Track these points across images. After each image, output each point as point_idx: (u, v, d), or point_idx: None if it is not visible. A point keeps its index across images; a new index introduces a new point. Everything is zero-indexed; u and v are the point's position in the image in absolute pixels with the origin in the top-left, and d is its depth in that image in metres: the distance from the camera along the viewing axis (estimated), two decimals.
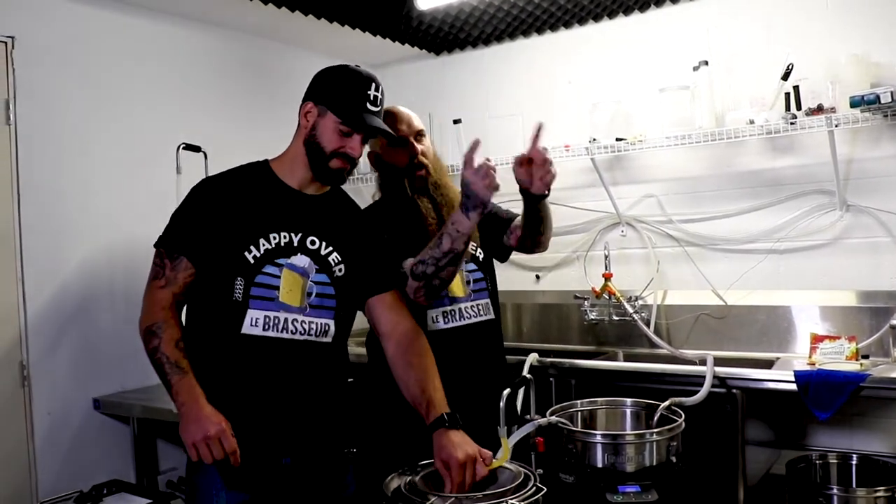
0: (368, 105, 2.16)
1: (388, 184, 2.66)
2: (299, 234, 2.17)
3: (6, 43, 3.06)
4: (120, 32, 3.48)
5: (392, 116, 2.56)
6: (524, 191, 2.57)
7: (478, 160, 2.30)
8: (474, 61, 4.55)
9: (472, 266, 2.72)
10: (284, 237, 2.14)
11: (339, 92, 2.15)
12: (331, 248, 2.21)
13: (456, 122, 4.34)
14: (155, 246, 2.13)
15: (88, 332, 3.30)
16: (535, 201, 2.61)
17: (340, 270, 2.22)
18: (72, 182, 3.26)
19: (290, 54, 4.19)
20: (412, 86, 4.74)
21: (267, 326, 2.09)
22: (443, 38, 4.39)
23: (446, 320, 2.61)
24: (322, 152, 2.15)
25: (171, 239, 2.12)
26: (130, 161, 3.45)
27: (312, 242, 2.18)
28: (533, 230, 2.71)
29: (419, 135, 2.62)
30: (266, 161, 2.26)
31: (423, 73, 4.73)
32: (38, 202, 3.14)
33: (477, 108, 4.49)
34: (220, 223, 2.10)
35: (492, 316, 2.75)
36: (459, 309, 2.65)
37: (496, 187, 2.34)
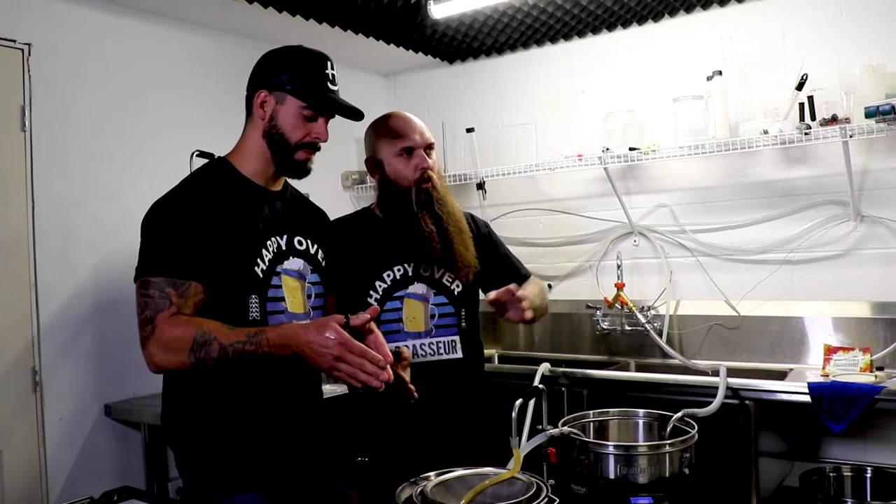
0: (329, 85, 2.04)
1: (388, 193, 2.52)
2: (285, 237, 2.09)
3: (22, 50, 3.08)
4: (135, 40, 3.50)
5: (406, 123, 2.50)
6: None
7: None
8: (488, 70, 4.55)
9: (441, 299, 2.54)
10: (276, 242, 2.06)
11: (297, 74, 2.01)
12: (316, 246, 2.17)
13: (469, 130, 4.35)
14: (140, 278, 1.89)
15: (101, 338, 3.31)
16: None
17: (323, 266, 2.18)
18: (86, 189, 3.27)
19: None
20: (426, 94, 4.76)
21: None
22: (457, 46, 4.39)
23: (414, 356, 2.43)
24: (286, 144, 2.03)
25: (171, 264, 1.88)
26: (144, 168, 3.46)
27: (300, 243, 2.12)
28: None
29: (429, 147, 2.52)
30: (224, 159, 2.10)
31: (436, 82, 4.74)
32: (52, 209, 3.16)
33: (490, 117, 4.50)
34: (217, 238, 1.93)
35: (458, 355, 2.54)
36: (415, 346, 2.48)
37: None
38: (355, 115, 2.08)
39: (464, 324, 2.57)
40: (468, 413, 2.56)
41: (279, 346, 1.81)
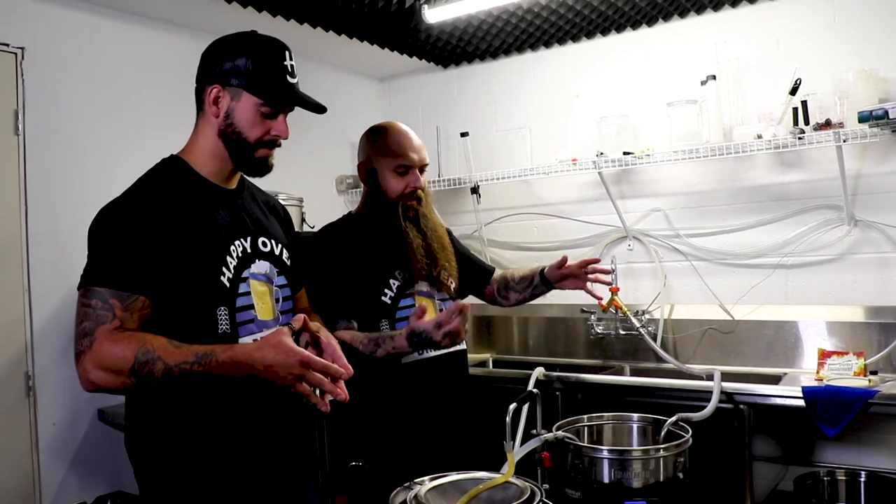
0: (288, 77, 1.89)
1: (376, 202, 2.57)
2: (249, 238, 1.95)
3: (16, 54, 3.07)
4: (129, 43, 3.49)
5: (407, 140, 2.54)
6: (546, 282, 2.85)
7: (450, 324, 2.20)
8: (482, 74, 4.56)
9: (443, 295, 2.66)
10: (240, 246, 1.92)
11: (252, 66, 1.85)
12: (280, 246, 2.04)
13: (463, 135, 4.34)
14: (83, 286, 1.75)
15: None
16: (551, 287, 2.88)
17: (289, 267, 2.07)
18: (80, 193, 3.26)
19: (299, 67, 4.15)
20: (420, 99, 4.76)
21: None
22: (451, 51, 4.39)
23: (420, 351, 2.50)
24: (245, 144, 1.88)
25: (117, 276, 1.73)
26: (138, 172, 3.41)
27: (265, 244, 1.99)
28: (531, 298, 2.95)
29: (424, 167, 2.58)
30: (178, 157, 1.96)
31: (430, 86, 4.74)
32: (45, 213, 3.15)
33: (484, 122, 4.50)
34: (174, 246, 1.78)
35: (463, 346, 2.71)
36: None
37: (457, 341, 2.27)
38: (317, 109, 1.95)
39: None
40: (468, 409, 2.68)
41: (230, 367, 1.67)
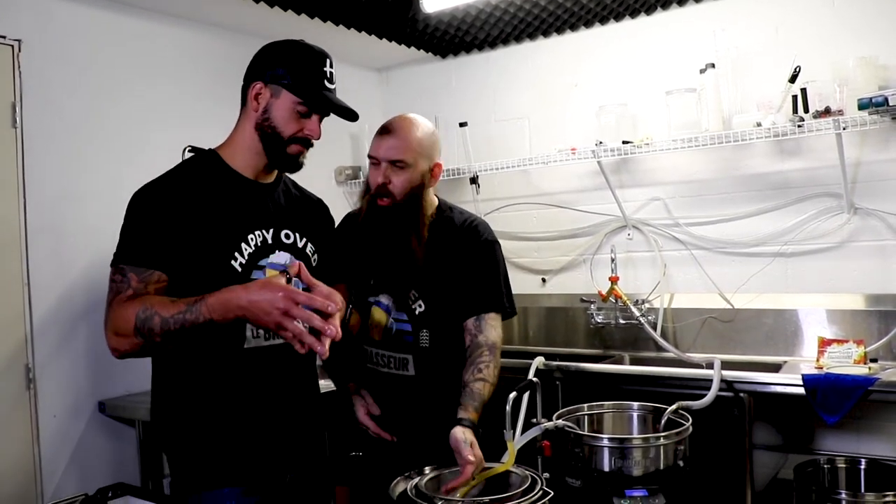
0: (326, 83, 2.01)
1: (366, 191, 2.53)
2: (271, 230, 2.06)
3: (13, 46, 3.06)
4: (126, 35, 3.48)
5: (384, 131, 2.43)
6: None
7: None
8: (480, 64, 4.55)
9: (401, 315, 2.46)
10: (260, 236, 2.03)
11: (295, 69, 1.98)
12: (305, 240, 2.14)
13: (462, 125, 4.34)
14: (113, 264, 1.91)
15: (94, 335, 3.29)
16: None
17: (315, 261, 2.15)
18: (78, 185, 3.26)
19: None
20: (418, 89, 4.75)
21: (269, 335, 2.00)
22: (449, 41, 4.38)
23: (371, 361, 2.51)
24: (279, 138, 2.00)
25: (138, 253, 1.88)
26: (137, 164, 3.42)
27: (287, 236, 2.09)
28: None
29: (397, 163, 2.39)
30: (213, 151, 2.09)
31: (429, 76, 4.73)
32: (44, 205, 3.14)
33: (483, 111, 4.49)
34: (193, 230, 1.91)
35: (410, 372, 2.45)
36: (373, 353, 2.52)
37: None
38: (350, 115, 2.05)
39: (423, 344, 2.45)
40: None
41: (219, 310, 1.71)
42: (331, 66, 2.04)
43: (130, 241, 1.90)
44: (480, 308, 2.41)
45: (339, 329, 1.66)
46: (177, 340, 1.77)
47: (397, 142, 2.38)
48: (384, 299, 2.48)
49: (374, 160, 2.41)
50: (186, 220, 1.90)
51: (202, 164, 2.05)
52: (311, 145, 2.06)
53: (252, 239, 2.00)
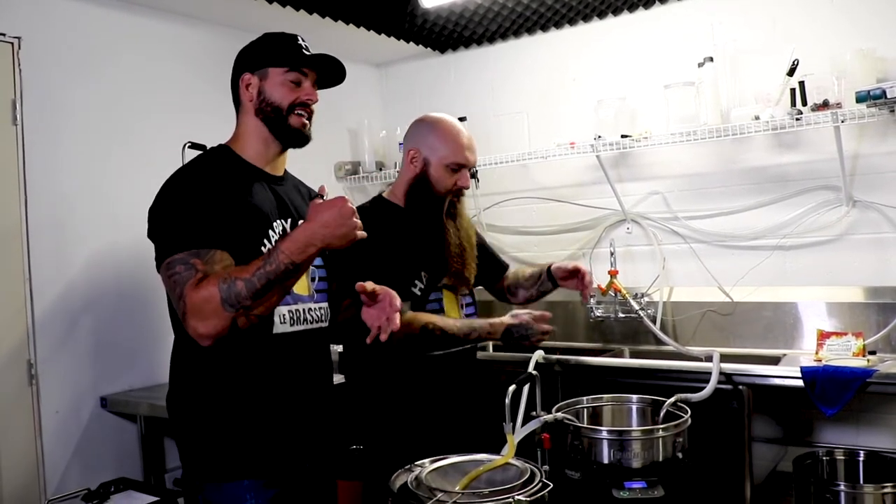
0: (303, 51, 2.10)
1: (420, 190, 2.65)
2: (289, 220, 2.11)
3: (12, 43, 3.07)
4: (126, 32, 3.49)
5: (467, 140, 2.66)
6: (552, 278, 3.01)
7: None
8: (479, 59, 4.55)
9: (465, 291, 2.79)
10: (280, 225, 2.08)
11: (272, 49, 2.09)
12: None
13: (461, 119, 4.32)
14: (166, 259, 1.89)
15: (96, 330, 3.31)
16: (556, 285, 3.03)
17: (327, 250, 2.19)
18: (78, 181, 3.27)
19: None
20: (417, 84, 4.76)
21: (294, 321, 2.06)
22: (448, 36, 4.39)
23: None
24: (279, 112, 2.07)
25: (195, 237, 1.88)
26: (136, 160, 3.46)
27: None
28: (539, 296, 3.12)
29: (473, 168, 2.74)
30: (225, 146, 2.15)
31: (428, 72, 4.73)
32: (45, 202, 3.15)
33: (482, 106, 4.49)
34: (230, 216, 1.94)
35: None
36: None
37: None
38: (336, 65, 2.16)
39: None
40: (470, 392, 2.74)
41: (296, 250, 1.83)
42: (304, 41, 2.13)
43: (182, 228, 1.89)
44: (506, 266, 3.18)
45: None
46: (266, 297, 1.85)
47: (476, 147, 2.73)
48: (449, 282, 2.68)
49: (460, 165, 2.64)
50: (223, 206, 1.94)
51: (217, 157, 2.11)
52: (312, 111, 2.13)
53: (276, 227, 2.05)
